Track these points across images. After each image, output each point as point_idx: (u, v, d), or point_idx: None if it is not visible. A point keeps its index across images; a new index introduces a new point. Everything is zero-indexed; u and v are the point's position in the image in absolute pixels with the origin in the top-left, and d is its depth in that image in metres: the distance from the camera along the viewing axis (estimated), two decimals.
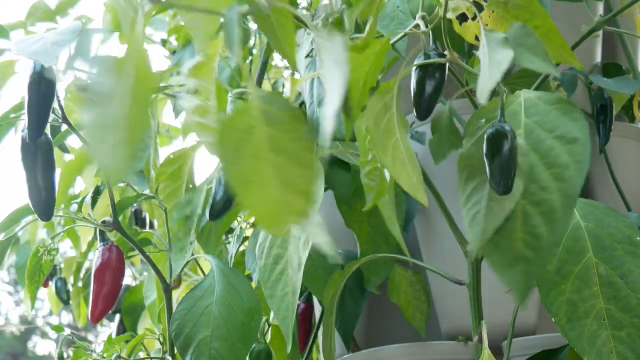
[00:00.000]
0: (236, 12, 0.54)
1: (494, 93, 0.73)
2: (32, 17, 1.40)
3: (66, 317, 8.70)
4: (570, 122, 0.61)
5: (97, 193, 1.21)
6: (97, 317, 1.13)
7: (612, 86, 1.04)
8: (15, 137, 0.96)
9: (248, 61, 1.96)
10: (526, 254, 0.57)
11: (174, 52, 2.11)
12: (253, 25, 1.60)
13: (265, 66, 1.52)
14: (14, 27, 1.49)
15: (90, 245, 1.90)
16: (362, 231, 1.10)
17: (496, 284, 1.00)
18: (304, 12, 1.40)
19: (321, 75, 0.53)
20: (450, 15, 0.61)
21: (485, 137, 0.59)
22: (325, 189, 1.20)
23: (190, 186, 1.24)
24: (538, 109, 0.63)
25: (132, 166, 0.51)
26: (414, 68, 0.63)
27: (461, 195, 0.63)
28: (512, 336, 0.85)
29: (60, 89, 0.89)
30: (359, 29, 0.67)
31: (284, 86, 1.99)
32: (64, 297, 2.02)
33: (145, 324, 1.76)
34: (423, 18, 0.64)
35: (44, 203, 0.89)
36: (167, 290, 1.16)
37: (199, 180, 1.28)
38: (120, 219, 1.14)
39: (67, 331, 1.30)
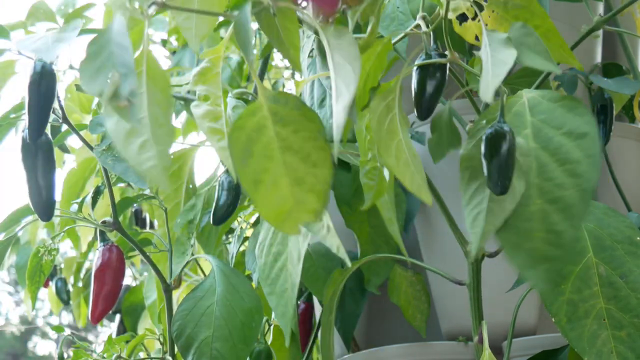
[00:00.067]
0: (248, 13, 0.54)
1: (495, 94, 0.73)
2: (32, 17, 1.40)
3: (66, 317, 8.70)
4: (577, 117, 0.61)
5: (97, 193, 1.21)
6: (97, 317, 1.13)
7: (612, 86, 1.04)
8: (16, 137, 0.96)
9: None
10: (549, 251, 0.57)
11: (174, 52, 2.11)
12: (253, 25, 1.60)
13: (265, 66, 1.52)
14: (14, 27, 1.49)
15: (90, 245, 1.90)
16: (362, 231, 1.10)
17: (496, 284, 1.00)
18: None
19: (330, 72, 0.53)
20: (451, 15, 0.61)
21: (484, 137, 0.59)
22: None
23: (190, 186, 1.24)
24: (543, 107, 0.63)
25: (165, 162, 0.51)
26: (415, 68, 0.63)
27: (463, 196, 0.63)
28: (512, 336, 0.85)
29: (60, 89, 0.89)
30: (359, 29, 0.67)
31: (284, 86, 1.99)
32: (64, 297, 2.02)
33: (145, 324, 1.76)
34: (423, 18, 0.64)
35: (44, 203, 0.89)
36: (167, 290, 1.16)
37: (199, 180, 1.28)
38: (120, 219, 1.14)
39: (67, 331, 1.30)
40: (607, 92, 1.11)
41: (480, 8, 0.61)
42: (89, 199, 1.18)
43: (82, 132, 1.05)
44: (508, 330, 0.86)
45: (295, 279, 0.68)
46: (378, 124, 0.60)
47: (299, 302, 1.23)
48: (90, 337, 8.67)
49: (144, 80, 0.53)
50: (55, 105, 0.96)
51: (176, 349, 1.08)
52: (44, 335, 10.66)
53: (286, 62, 1.98)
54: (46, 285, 2.05)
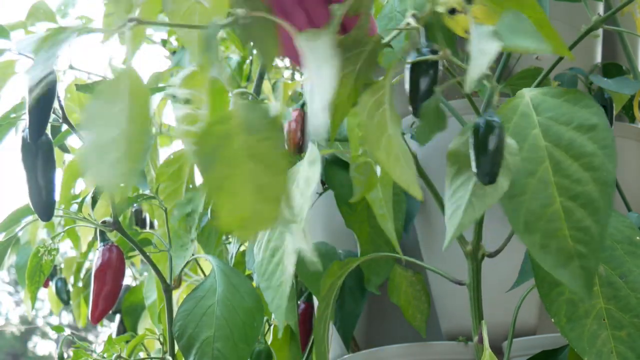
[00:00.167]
0: (216, 28, 0.55)
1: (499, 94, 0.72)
2: (32, 17, 1.40)
3: (66, 317, 8.70)
4: (584, 109, 0.61)
5: (97, 193, 1.21)
6: (97, 317, 1.13)
7: (612, 86, 1.04)
8: (16, 137, 0.96)
9: (248, 61, 1.96)
10: (578, 249, 0.57)
11: (174, 52, 2.11)
12: None
13: (265, 66, 1.52)
14: (14, 27, 1.49)
15: (90, 245, 1.90)
16: (362, 231, 1.10)
17: (496, 284, 1.00)
18: None
19: (306, 76, 0.53)
20: (441, 10, 0.61)
21: (472, 128, 0.59)
22: (325, 189, 1.21)
23: (190, 186, 1.24)
24: (548, 104, 0.63)
25: (133, 181, 0.52)
26: (407, 65, 0.63)
27: (447, 190, 0.63)
28: (512, 336, 0.85)
29: (60, 89, 0.89)
30: None
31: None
32: (64, 297, 2.02)
33: (145, 324, 1.76)
34: (414, 15, 0.64)
35: (44, 203, 0.89)
36: (167, 290, 1.16)
37: (199, 180, 1.28)
38: (120, 219, 1.14)
39: (67, 331, 1.30)
40: (607, 92, 1.11)
41: (469, 1, 0.61)
42: (89, 199, 1.18)
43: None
44: (508, 330, 0.86)
45: (290, 270, 0.69)
46: (368, 118, 0.60)
47: (299, 302, 1.23)
48: (90, 337, 8.67)
49: (126, 95, 0.54)
50: (55, 105, 0.96)
51: (176, 349, 1.08)
52: (44, 335, 10.66)
53: (287, 62, 1.98)
54: (46, 285, 2.05)
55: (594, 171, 0.59)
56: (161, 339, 1.26)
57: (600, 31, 1.21)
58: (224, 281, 1.00)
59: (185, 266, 1.20)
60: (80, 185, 1.71)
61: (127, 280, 2.03)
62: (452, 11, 0.61)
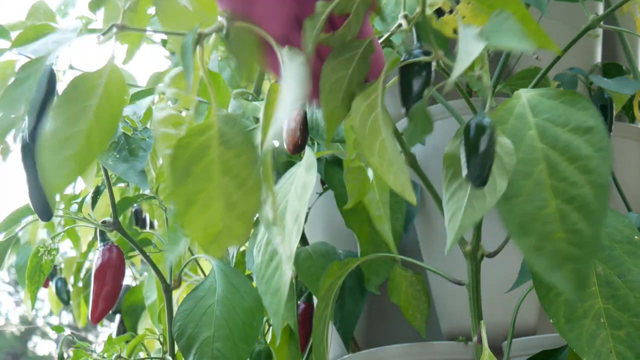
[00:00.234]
0: (192, 37, 0.54)
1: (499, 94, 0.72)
2: (32, 17, 1.40)
3: (66, 317, 8.70)
4: (581, 111, 0.61)
5: (97, 193, 1.21)
6: (97, 317, 1.13)
7: (612, 86, 1.04)
8: (16, 137, 0.96)
9: None
10: (572, 252, 0.57)
11: (174, 53, 2.11)
12: None
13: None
14: (14, 27, 1.49)
15: (90, 245, 1.90)
16: (362, 231, 1.10)
17: (496, 284, 1.00)
18: None
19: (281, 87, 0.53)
20: (429, 12, 0.61)
21: (464, 129, 0.59)
22: (325, 189, 1.21)
23: None
24: (544, 105, 0.63)
25: (71, 183, 0.53)
26: (399, 67, 0.63)
27: (444, 193, 0.62)
28: (512, 336, 0.85)
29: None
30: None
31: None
32: (64, 297, 2.02)
33: (145, 324, 1.76)
34: (405, 17, 0.64)
35: (44, 203, 0.89)
36: (167, 290, 1.16)
37: None
38: (120, 219, 1.14)
39: (67, 331, 1.30)
40: (607, 92, 1.11)
41: (456, 1, 0.61)
42: (89, 199, 1.18)
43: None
44: (508, 330, 0.86)
45: (287, 276, 0.68)
46: (361, 123, 0.60)
47: (299, 302, 1.23)
48: (90, 337, 8.67)
49: (100, 91, 0.54)
50: None
51: (176, 349, 1.08)
52: (44, 335, 10.66)
53: None
54: (46, 285, 2.05)
55: (590, 174, 0.58)
56: (161, 339, 1.26)
57: (600, 31, 1.21)
58: (224, 281, 1.00)
59: (185, 266, 1.20)
60: (80, 185, 1.71)
61: (127, 280, 2.03)
62: (440, 13, 0.61)
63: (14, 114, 0.55)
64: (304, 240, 1.20)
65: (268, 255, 0.75)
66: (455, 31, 0.60)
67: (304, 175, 0.70)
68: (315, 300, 1.25)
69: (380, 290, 1.12)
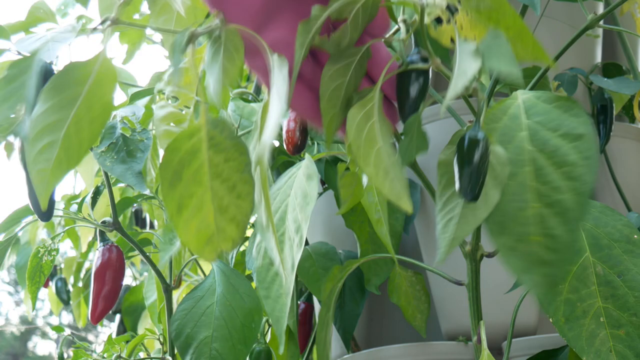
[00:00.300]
0: (184, 37, 0.54)
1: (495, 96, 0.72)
2: (32, 17, 1.40)
3: (66, 317, 8.71)
4: (573, 118, 0.61)
5: (97, 193, 1.22)
6: (97, 317, 1.13)
7: (612, 86, 1.04)
8: (16, 137, 0.96)
9: None
10: (545, 256, 0.57)
11: None
12: None
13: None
14: (14, 28, 1.49)
15: (90, 245, 1.90)
16: (362, 231, 1.10)
17: (496, 285, 1.00)
18: None
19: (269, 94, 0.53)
20: (427, 20, 0.61)
21: (457, 143, 0.59)
22: (325, 189, 1.21)
23: None
24: (538, 108, 0.63)
25: (60, 171, 0.53)
26: (397, 74, 0.62)
27: (437, 201, 0.62)
28: (512, 336, 0.85)
29: None
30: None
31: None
32: (64, 297, 2.02)
33: (145, 324, 1.76)
34: (404, 22, 0.63)
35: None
36: (167, 290, 1.16)
37: None
38: (120, 219, 1.14)
39: (67, 331, 1.30)
40: (607, 92, 1.11)
41: (453, 12, 0.61)
42: (89, 199, 1.18)
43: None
44: (508, 330, 0.86)
45: (289, 286, 0.68)
46: (356, 133, 0.60)
47: (299, 302, 1.23)
48: (90, 337, 8.67)
49: (90, 80, 0.54)
50: None
51: (176, 349, 1.08)
52: (44, 335, 10.66)
53: None
54: (46, 285, 2.05)
55: (573, 181, 0.58)
56: (161, 339, 1.26)
57: (600, 31, 1.21)
58: (224, 281, 1.00)
59: (185, 266, 1.20)
60: (80, 185, 1.71)
61: (127, 280, 2.03)
62: (438, 21, 0.61)
63: (7, 111, 0.55)
64: None
65: (269, 260, 0.75)
66: (452, 40, 0.60)
67: (305, 185, 0.70)
68: (315, 300, 1.25)
69: (380, 290, 1.12)
